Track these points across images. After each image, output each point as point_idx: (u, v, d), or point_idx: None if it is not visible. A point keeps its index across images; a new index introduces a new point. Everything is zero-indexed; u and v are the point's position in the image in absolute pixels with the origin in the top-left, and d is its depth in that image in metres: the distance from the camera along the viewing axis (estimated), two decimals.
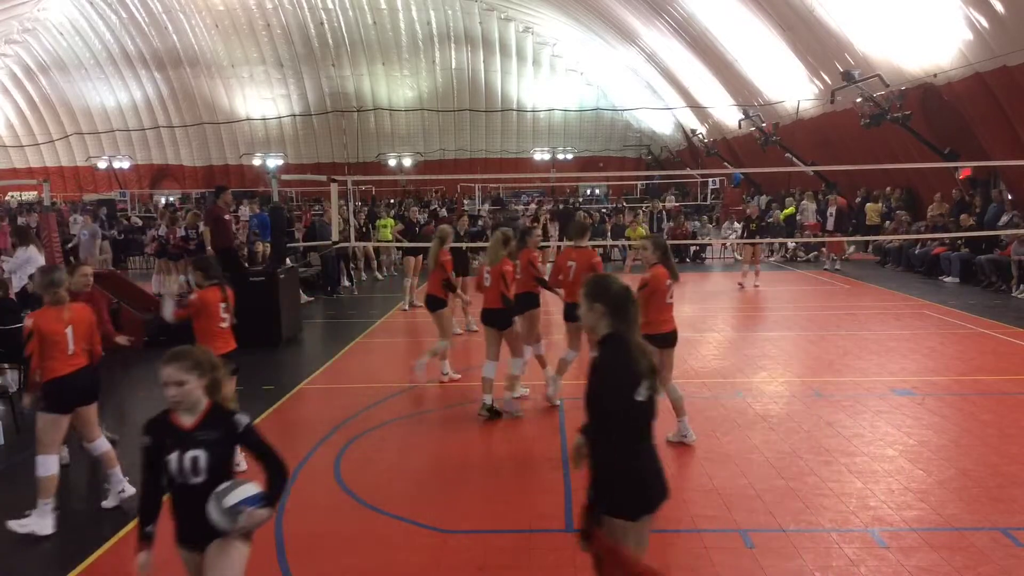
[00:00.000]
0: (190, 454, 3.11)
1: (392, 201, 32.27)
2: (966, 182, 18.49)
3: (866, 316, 12.67)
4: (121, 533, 5.09)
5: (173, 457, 3.13)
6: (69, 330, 5.26)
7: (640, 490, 3.12)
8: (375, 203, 29.63)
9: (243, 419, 3.27)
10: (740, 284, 16.34)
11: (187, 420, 3.20)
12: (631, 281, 6.59)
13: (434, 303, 8.62)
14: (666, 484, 3.22)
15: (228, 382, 5.96)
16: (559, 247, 16.91)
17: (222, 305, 6.04)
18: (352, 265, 18.03)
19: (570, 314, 7.63)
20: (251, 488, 3.12)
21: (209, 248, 11.58)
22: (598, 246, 19.46)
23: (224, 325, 6.07)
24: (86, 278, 6.40)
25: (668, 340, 6.40)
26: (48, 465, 5.15)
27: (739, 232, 20.12)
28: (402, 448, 6.66)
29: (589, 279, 3.39)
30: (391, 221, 17.67)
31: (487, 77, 43.75)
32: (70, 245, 18.72)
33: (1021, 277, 14.17)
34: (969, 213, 16.78)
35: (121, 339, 6.46)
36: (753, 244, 16.85)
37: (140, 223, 25.30)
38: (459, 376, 8.90)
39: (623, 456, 3.08)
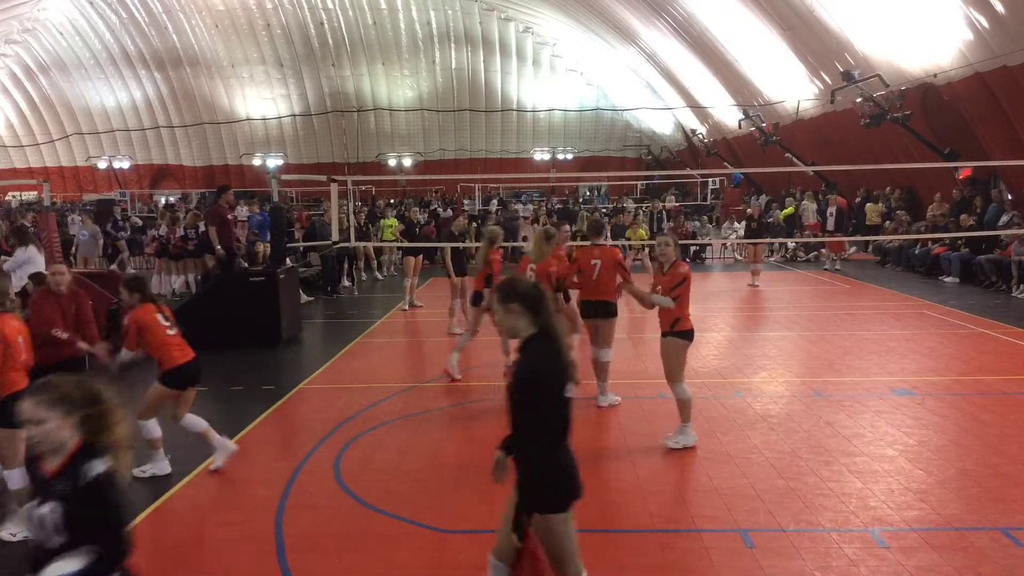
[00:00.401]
0: (43, 508, 2.49)
1: (392, 201, 32.26)
2: (966, 182, 18.50)
3: (866, 316, 12.67)
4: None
5: (27, 508, 2.53)
6: (20, 339, 5.16)
7: (568, 482, 3.26)
8: (375, 203, 29.60)
9: (93, 469, 2.48)
10: (750, 284, 16.35)
11: (51, 463, 2.56)
12: (643, 282, 6.66)
13: (481, 299, 9.01)
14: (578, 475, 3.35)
15: (185, 397, 6.08)
16: None
17: (159, 316, 6.03)
18: (353, 265, 18.02)
19: (589, 312, 7.68)
20: (70, 566, 2.40)
21: (218, 248, 11.64)
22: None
23: (172, 332, 6.06)
24: (61, 277, 6.34)
25: (691, 336, 6.62)
26: (16, 479, 5.09)
27: (740, 232, 20.10)
28: (402, 448, 6.66)
29: (497, 284, 3.47)
30: (394, 221, 17.63)
31: (487, 77, 43.74)
32: (73, 250, 18.71)
33: (1021, 277, 14.16)
34: (969, 213, 16.78)
35: (98, 347, 6.31)
36: (754, 244, 16.83)
37: (140, 223, 25.27)
38: (460, 377, 8.90)
39: (552, 453, 3.20)
